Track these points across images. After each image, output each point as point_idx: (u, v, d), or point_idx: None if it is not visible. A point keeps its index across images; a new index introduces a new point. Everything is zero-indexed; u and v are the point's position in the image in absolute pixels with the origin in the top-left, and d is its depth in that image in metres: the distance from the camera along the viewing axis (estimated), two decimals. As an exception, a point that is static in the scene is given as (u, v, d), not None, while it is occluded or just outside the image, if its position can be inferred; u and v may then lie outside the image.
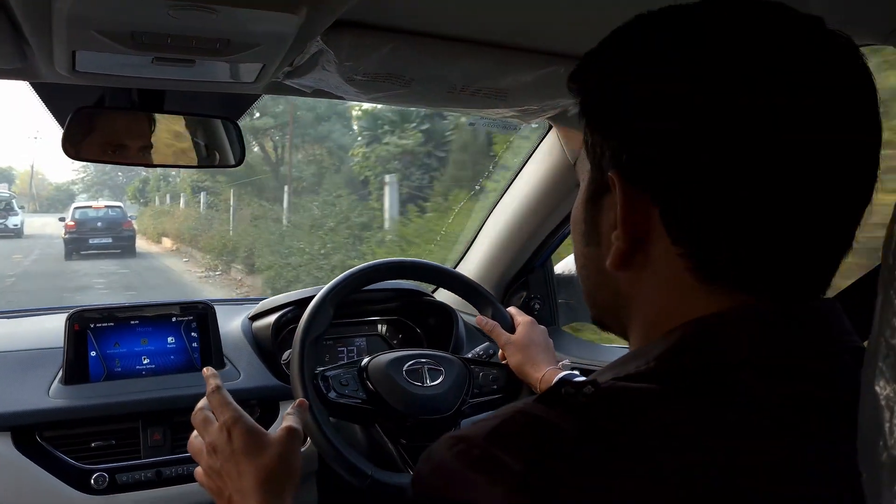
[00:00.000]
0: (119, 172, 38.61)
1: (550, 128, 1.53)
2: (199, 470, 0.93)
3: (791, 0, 0.50)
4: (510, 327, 1.43)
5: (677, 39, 0.50)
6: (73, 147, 1.21)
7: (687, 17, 0.51)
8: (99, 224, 17.94)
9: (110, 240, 17.74)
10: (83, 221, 17.84)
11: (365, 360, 1.39)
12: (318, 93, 1.20)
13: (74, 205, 19.20)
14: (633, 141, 0.51)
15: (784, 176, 0.46)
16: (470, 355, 1.54)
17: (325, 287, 1.42)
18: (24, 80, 1.12)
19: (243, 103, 1.36)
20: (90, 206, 19.45)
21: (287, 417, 0.96)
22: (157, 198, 24.82)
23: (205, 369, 1.01)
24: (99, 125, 1.25)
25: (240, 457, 0.86)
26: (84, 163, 35.97)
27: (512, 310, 1.49)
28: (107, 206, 19.37)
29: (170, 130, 1.34)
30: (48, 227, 22.51)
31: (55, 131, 1.28)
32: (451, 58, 1.08)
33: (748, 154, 0.46)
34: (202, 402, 0.97)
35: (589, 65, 0.56)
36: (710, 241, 0.49)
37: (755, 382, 0.46)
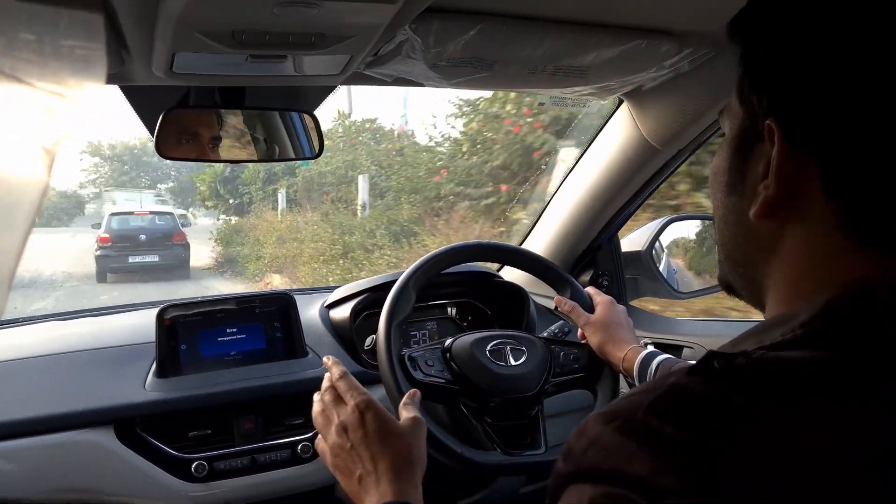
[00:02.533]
0: (143, 173, 34.78)
1: (619, 104, 1.53)
2: (321, 443, 0.97)
3: None
4: (589, 307, 1.44)
5: None
6: (165, 147, 1.24)
7: None
8: (142, 236, 13.85)
9: (157, 257, 13.64)
10: (121, 232, 13.88)
11: (448, 341, 1.41)
12: (398, 81, 1.21)
13: (110, 210, 14.99)
14: (796, 90, 0.49)
15: None
16: (544, 334, 1.55)
17: (407, 271, 1.44)
18: (118, 83, 1.15)
19: (319, 95, 1.38)
20: (131, 213, 15.38)
21: (406, 408, 0.98)
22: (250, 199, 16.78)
23: (326, 358, 1.04)
24: (185, 125, 1.28)
25: (373, 440, 0.89)
26: (96, 162, 34.09)
27: (590, 289, 1.49)
28: (153, 213, 15.43)
29: (250, 126, 1.37)
30: (59, 255, 15.24)
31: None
32: (535, 38, 1.08)
33: None
34: (326, 384, 0.99)
35: (754, 10, 0.54)
36: (872, 199, 0.47)
37: None
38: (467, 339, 1.40)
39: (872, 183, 0.47)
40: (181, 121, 1.28)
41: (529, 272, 1.58)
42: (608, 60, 1.15)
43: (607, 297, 1.44)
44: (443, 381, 1.36)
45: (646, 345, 1.34)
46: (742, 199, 0.55)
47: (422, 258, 1.47)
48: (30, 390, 1.41)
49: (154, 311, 1.51)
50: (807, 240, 0.51)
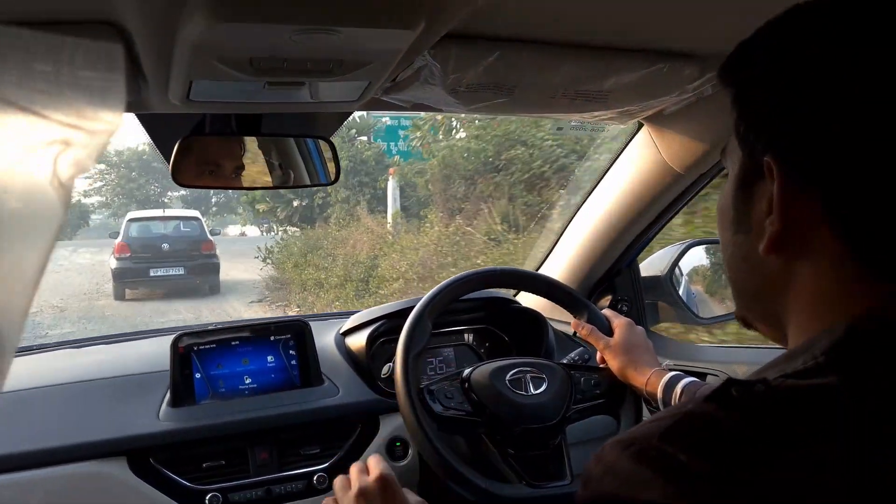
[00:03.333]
0: (152, 180, 32.05)
1: (639, 128, 1.51)
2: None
3: None
4: (608, 330, 1.42)
5: (845, 25, 0.49)
6: (180, 174, 1.23)
7: (853, 6, 0.50)
8: (165, 245, 12.10)
9: (182, 269, 11.88)
10: (142, 241, 12.17)
11: (466, 371, 1.38)
12: (416, 107, 1.20)
13: (129, 216, 12.96)
14: (793, 129, 0.50)
15: None
16: (564, 361, 1.53)
17: (422, 301, 1.42)
18: (134, 112, 1.14)
19: (336, 121, 1.38)
20: (153, 219, 13.35)
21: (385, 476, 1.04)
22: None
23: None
24: (201, 152, 1.28)
25: None
26: (102, 169, 31.36)
27: (608, 312, 1.47)
28: (177, 218, 13.44)
29: (266, 153, 1.36)
30: (64, 284, 12.86)
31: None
32: (556, 63, 1.07)
33: None
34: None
35: (745, 54, 0.56)
36: (878, 231, 0.48)
37: None
38: (486, 368, 1.38)
39: (874, 213, 0.48)
40: (197, 148, 1.27)
41: (545, 297, 1.56)
42: (629, 85, 1.14)
43: (625, 320, 1.42)
44: (463, 413, 1.34)
45: (669, 368, 1.32)
46: (749, 237, 0.56)
47: (437, 286, 1.45)
48: (43, 420, 1.39)
49: (169, 339, 1.50)
50: (819, 272, 0.52)
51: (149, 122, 1.25)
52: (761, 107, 0.54)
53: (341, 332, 1.72)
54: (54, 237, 0.35)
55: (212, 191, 29.34)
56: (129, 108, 1.12)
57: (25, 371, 1.59)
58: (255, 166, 1.38)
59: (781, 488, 0.41)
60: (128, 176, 32.66)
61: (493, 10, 0.93)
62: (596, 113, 1.24)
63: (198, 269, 12.16)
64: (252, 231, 26.81)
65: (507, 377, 1.36)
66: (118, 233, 12.92)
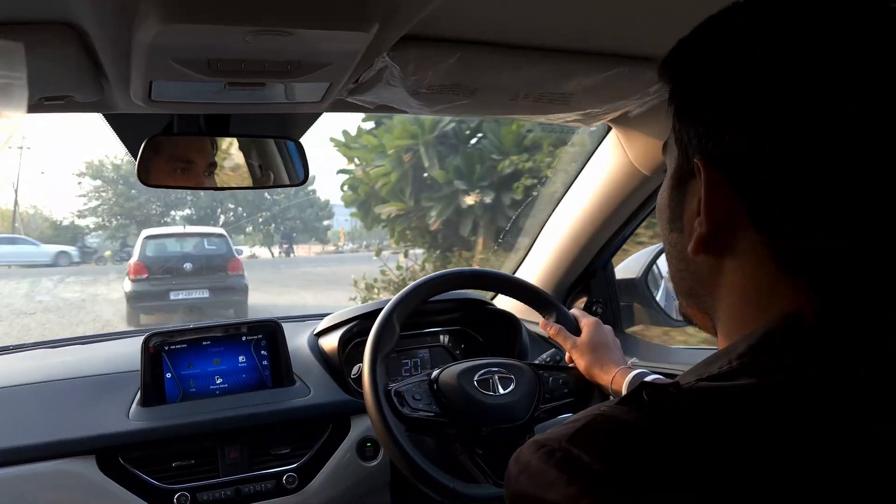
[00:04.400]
0: (153, 198, 28.28)
1: (609, 130, 1.53)
2: None
3: None
4: (575, 330, 1.43)
5: (770, 26, 0.50)
6: (147, 174, 1.24)
7: (781, 5, 0.50)
8: (188, 265, 10.51)
9: (206, 292, 10.31)
10: (161, 261, 10.60)
11: (435, 373, 1.39)
12: (381, 108, 1.21)
13: (144, 233, 11.32)
14: (719, 127, 0.51)
15: (875, 164, 0.45)
16: (536, 362, 1.54)
17: (390, 302, 1.43)
18: (100, 111, 1.15)
19: (305, 122, 1.38)
20: (172, 235, 11.87)
21: None
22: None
23: None
24: (169, 152, 1.28)
25: None
26: (98, 186, 27.56)
27: (576, 312, 1.48)
28: (201, 235, 11.83)
29: (235, 153, 1.37)
30: (32, 331, 9.80)
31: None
32: (516, 65, 1.08)
33: (836, 142, 0.46)
34: None
35: (681, 51, 0.56)
36: (794, 229, 0.48)
37: (834, 390, 0.45)
38: (454, 369, 1.39)
39: (790, 213, 0.48)
40: (165, 147, 1.28)
41: (516, 298, 1.57)
42: (590, 88, 1.15)
43: (593, 319, 1.42)
44: (431, 414, 1.35)
45: (634, 366, 1.33)
46: (682, 236, 0.57)
47: (405, 288, 1.46)
48: (14, 419, 1.40)
49: (141, 339, 1.50)
50: (743, 273, 0.52)
51: (117, 122, 1.25)
52: (692, 105, 0.54)
53: (315, 332, 1.73)
54: None
55: (219, 209, 27.15)
56: (94, 108, 1.13)
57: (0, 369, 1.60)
58: (227, 165, 1.38)
59: (681, 490, 0.41)
60: (126, 194, 28.51)
61: (451, 12, 0.94)
62: (560, 115, 1.25)
63: (224, 291, 10.56)
64: (262, 252, 25.79)
65: (475, 378, 1.37)
66: (129, 253, 11.53)
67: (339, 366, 1.62)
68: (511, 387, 1.37)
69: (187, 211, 29.04)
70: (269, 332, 1.59)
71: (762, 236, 0.50)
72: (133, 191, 28.80)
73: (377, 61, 1.03)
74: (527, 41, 1.06)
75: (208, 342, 1.54)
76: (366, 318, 1.65)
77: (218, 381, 1.53)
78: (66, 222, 28.59)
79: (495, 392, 1.36)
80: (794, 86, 0.47)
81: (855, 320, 0.47)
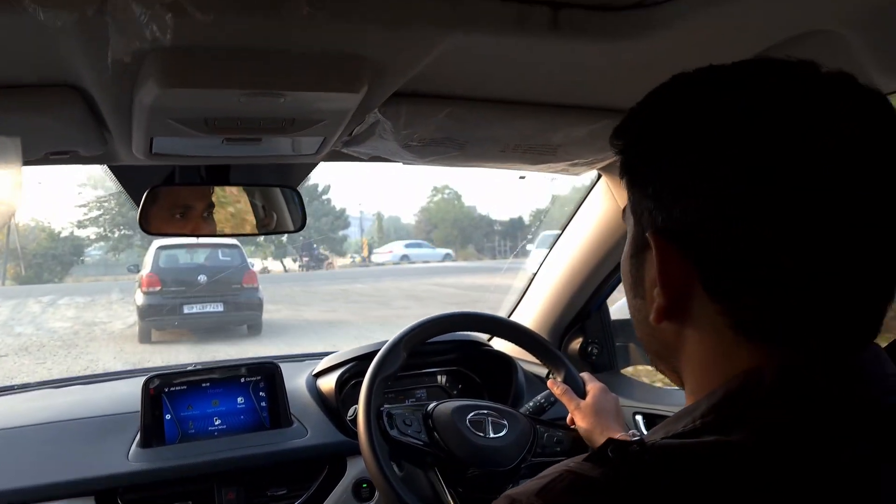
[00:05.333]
0: None
1: (600, 176, 1.56)
2: None
3: (831, 47, 0.51)
4: (581, 392, 1.43)
5: (711, 100, 0.51)
6: (148, 223, 1.28)
7: (722, 78, 0.52)
8: (202, 277, 10.27)
9: (221, 305, 10.07)
10: (174, 273, 10.32)
11: (431, 405, 1.41)
12: (375, 158, 1.25)
13: (156, 244, 10.83)
14: (667, 200, 0.52)
15: (820, 232, 0.47)
16: (531, 403, 1.55)
17: (401, 331, 1.46)
18: (104, 163, 1.19)
19: (302, 172, 1.42)
20: (185, 246, 11.28)
21: None
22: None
23: None
24: (170, 200, 1.32)
25: None
26: (99, 196, 25.66)
27: (584, 375, 1.50)
28: (215, 246, 11.16)
29: (234, 201, 1.41)
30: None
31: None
32: (504, 119, 1.12)
33: (783, 215, 0.47)
34: None
35: (629, 123, 0.57)
36: (749, 299, 0.50)
37: (798, 442, 0.47)
38: (450, 405, 1.41)
39: (744, 284, 0.49)
40: (168, 197, 1.32)
41: (526, 349, 1.58)
42: (578, 139, 1.19)
43: (600, 385, 1.43)
44: (419, 442, 1.36)
45: (633, 436, 1.33)
46: (644, 302, 0.58)
47: (418, 321, 1.48)
48: (15, 460, 1.42)
49: (141, 380, 1.53)
50: (703, 340, 0.54)
51: (120, 172, 1.30)
52: (640, 178, 0.55)
53: (313, 374, 1.75)
54: None
55: None
56: (98, 161, 1.17)
57: (2, 410, 1.62)
58: (231, 210, 1.42)
59: None
60: (130, 204, 28.46)
61: (439, 70, 0.98)
62: (548, 165, 1.29)
63: (238, 305, 10.25)
64: (275, 265, 25.02)
65: (469, 417, 1.39)
66: (137, 266, 11.06)
67: (335, 407, 1.64)
68: (503, 432, 1.38)
69: None
70: (268, 374, 1.62)
71: (714, 303, 0.51)
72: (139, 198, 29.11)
73: (369, 116, 1.07)
74: (514, 96, 1.10)
75: (207, 384, 1.57)
76: (363, 360, 1.67)
77: (217, 423, 1.55)
78: (64, 233, 26.83)
79: (486, 434, 1.37)
80: (736, 156, 0.48)
81: (814, 374, 0.49)
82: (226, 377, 1.59)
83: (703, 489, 0.45)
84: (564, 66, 1.01)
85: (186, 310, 9.86)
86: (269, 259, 25.29)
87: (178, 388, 1.54)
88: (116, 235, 26.86)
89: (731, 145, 0.49)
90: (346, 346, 1.80)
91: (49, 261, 25.45)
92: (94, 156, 1.11)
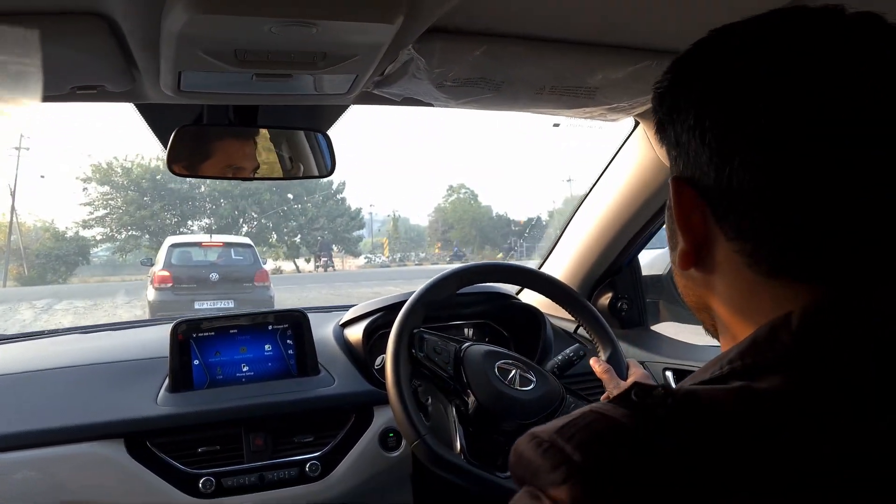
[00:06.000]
0: (167, 205, 26.02)
1: (636, 125, 1.52)
2: None
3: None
4: (623, 375, 1.41)
5: (736, 54, 0.53)
6: (175, 163, 1.26)
7: (748, 32, 0.53)
8: (213, 275, 10.44)
9: (231, 302, 10.19)
10: (186, 270, 10.51)
11: (466, 344, 1.40)
12: (408, 101, 1.22)
13: (170, 241, 11.21)
14: (685, 143, 0.54)
15: (838, 166, 0.48)
16: (559, 357, 1.53)
17: (431, 280, 1.45)
18: (131, 101, 1.17)
19: (333, 115, 1.39)
20: (198, 244, 11.76)
21: None
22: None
23: None
24: (198, 142, 1.30)
25: None
26: (105, 192, 25.19)
27: (631, 361, 1.48)
28: (227, 245, 11.64)
29: (262, 144, 1.38)
30: None
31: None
32: (542, 58, 1.08)
33: (793, 152, 0.48)
34: None
35: (666, 73, 0.59)
36: (763, 233, 0.51)
37: (825, 390, 0.46)
38: (482, 347, 1.40)
39: (762, 222, 0.51)
40: (195, 137, 1.30)
41: (575, 317, 1.54)
42: (617, 81, 1.14)
43: (642, 372, 1.42)
44: (445, 374, 1.36)
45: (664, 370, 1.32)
46: (676, 252, 0.59)
47: (449, 270, 1.47)
48: (46, 401, 1.43)
49: (170, 326, 1.53)
50: (728, 284, 0.55)
51: (148, 113, 1.28)
52: (664, 126, 0.57)
53: (340, 323, 1.75)
54: None
55: (241, 219, 25.80)
56: (125, 98, 1.15)
57: (33, 354, 1.64)
58: (258, 155, 1.40)
59: (652, 484, 0.43)
60: (138, 201, 25.97)
61: (476, 4, 0.94)
62: (585, 109, 1.25)
63: (250, 303, 10.26)
64: (288, 266, 24.40)
65: (498, 363, 1.37)
66: (151, 259, 11.05)
67: (363, 356, 1.64)
68: (529, 387, 1.37)
69: (206, 220, 26.98)
70: (295, 322, 1.61)
71: (734, 244, 0.52)
72: (146, 198, 26.12)
73: (403, 54, 1.04)
74: (553, 33, 1.06)
75: (235, 330, 1.57)
76: (390, 310, 1.66)
77: (244, 369, 1.55)
78: (69, 233, 25.93)
79: (510, 384, 1.36)
80: (750, 95, 0.50)
81: (839, 315, 0.49)
82: (253, 324, 1.58)
83: (725, 434, 0.45)
84: (606, 1, 0.97)
85: (197, 306, 10.01)
86: (282, 259, 25.05)
87: (206, 333, 1.54)
88: (124, 236, 26.13)
89: (747, 84, 0.50)
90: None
91: (53, 261, 24.80)
92: (121, 92, 1.09)
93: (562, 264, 1.87)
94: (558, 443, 0.46)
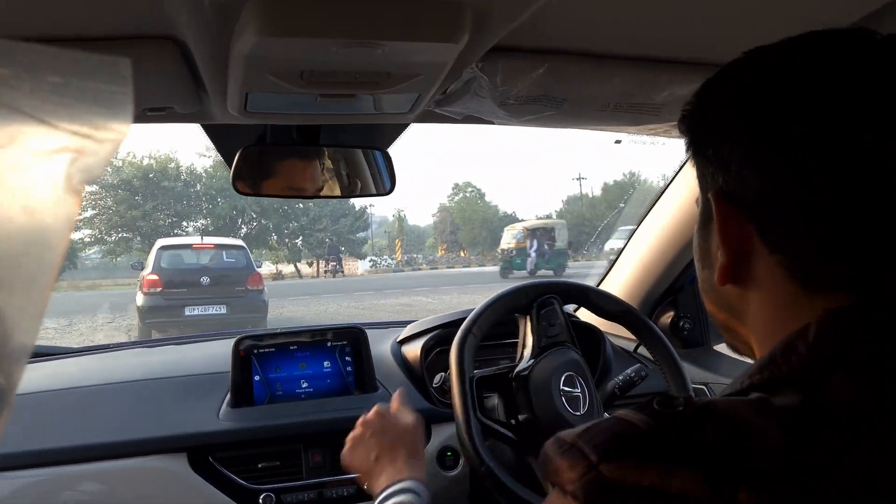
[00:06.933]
0: (160, 205, 24.72)
1: (700, 141, 1.48)
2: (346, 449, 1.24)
3: None
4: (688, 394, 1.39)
5: (768, 63, 0.55)
6: (241, 182, 1.28)
7: (783, 53, 0.54)
8: (205, 279, 10.11)
9: (224, 308, 9.91)
10: (176, 273, 10.13)
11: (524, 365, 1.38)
12: (468, 119, 1.22)
13: (159, 243, 10.87)
14: (725, 160, 0.55)
15: (871, 177, 0.48)
16: (620, 378, 1.51)
17: (492, 296, 1.43)
18: (199, 122, 1.20)
19: (393, 133, 1.40)
20: (189, 246, 11.34)
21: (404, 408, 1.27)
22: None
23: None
24: (262, 161, 1.32)
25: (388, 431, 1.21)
26: (94, 192, 23.09)
27: None
28: (219, 247, 11.31)
29: (324, 163, 1.40)
30: None
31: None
32: (606, 75, 1.07)
33: (837, 164, 0.49)
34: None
35: (693, 99, 0.60)
36: (803, 243, 0.51)
37: (843, 388, 0.46)
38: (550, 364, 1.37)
39: (798, 228, 0.51)
40: (259, 157, 1.32)
41: (651, 352, 1.52)
42: (683, 97, 1.11)
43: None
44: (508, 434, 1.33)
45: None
46: (711, 272, 0.60)
47: (511, 287, 1.46)
48: (111, 415, 1.46)
49: (231, 342, 1.55)
50: (766, 297, 0.55)
51: (213, 132, 1.30)
52: (702, 144, 0.58)
53: (398, 340, 1.75)
54: (66, 239, 0.37)
55: (240, 220, 24.26)
56: (193, 119, 1.18)
57: (97, 367, 1.68)
58: (320, 174, 1.42)
59: (660, 487, 0.44)
60: (129, 201, 24.44)
61: (540, 22, 0.93)
62: (650, 126, 1.23)
63: (242, 308, 10.03)
64: (288, 269, 23.02)
65: (563, 378, 1.35)
66: (142, 263, 10.49)
67: (421, 374, 1.63)
68: (581, 411, 1.34)
69: (202, 221, 25.65)
70: (354, 338, 1.62)
71: (776, 257, 0.53)
72: (137, 197, 24.64)
73: (465, 72, 1.03)
74: (616, 50, 1.04)
75: (295, 346, 1.58)
76: (448, 327, 1.65)
77: (304, 385, 1.56)
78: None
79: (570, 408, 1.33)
80: (792, 112, 0.51)
81: (860, 326, 0.49)
82: (313, 340, 1.60)
83: (736, 446, 0.45)
84: (672, 16, 0.96)
85: (188, 312, 9.72)
86: (283, 263, 23.81)
87: (266, 350, 1.56)
88: (114, 238, 24.64)
89: (788, 100, 0.51)
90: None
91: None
92: (190, 113, 1.11)
93: (622, 282, 1.84)
94: (578, 444, 0.48)
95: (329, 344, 1.61)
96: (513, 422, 1.34)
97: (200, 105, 1.09)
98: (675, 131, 1.29)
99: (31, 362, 1.62)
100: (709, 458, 0.44)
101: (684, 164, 1.56)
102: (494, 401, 1.40)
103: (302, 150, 1.35)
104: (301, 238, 25.18)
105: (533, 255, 21.64)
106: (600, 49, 1.03)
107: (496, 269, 23.29)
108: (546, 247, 22.03)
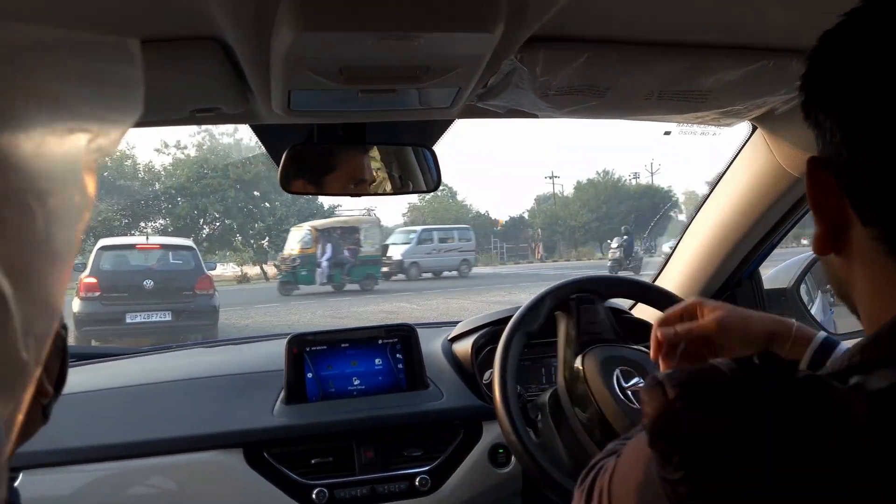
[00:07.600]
0: (115, 204, 22.90)
1: (754, 130, 1.44)
2: None
3: None
4: None
5: (869, 32, 0.50)
6: (288, 182, 1.31)
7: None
8: (148, 282, 9.23)
9: (169, 314, 9.10)
10: (116, 277, 9.25)
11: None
12: (511, 112, 1.21)
13: (100, 243, 9.96)
14: (824, 127, 0.52)
15: None
16: None
17: (543, 290, 1.42)
18: (246, 122, 1.23)
19: (438, 130, 1.40)
20: (132, 247, 10.42)
21: None
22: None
23: None
24: (309, 160, 1.35)
25: None
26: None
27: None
28: (164, 247, 10.41)
29: (371, 161, 1.41)
30: None
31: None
32: (649, 62, 1.05)
33: None
34: None
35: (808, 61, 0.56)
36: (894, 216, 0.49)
37: None
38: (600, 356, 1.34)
39: (893, 202, 0.49)
40: (307, 156, 1.34)
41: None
42: (731, 83, 1.09)
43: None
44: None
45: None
46: None
47: (563, 280, 1.44)
48: (170, 411, 1.51)
49: (284, 341, 1.58)
50: (866, 271, 0.53)
51: (262, 133, 1.33)
52: (808, 110, 0.56)
53: (449, 338, 1.75)
54: (83, 222, 0.37)
55: (202, 220, 23.02)
56: (240, 120, 1.21)
57: (160, 366, 1.73)
58: (369, 171, 1.43)
59: (727, 438, 0.43)
60: (131, 196, 23.82)
61: (579, 10, 0.92)
62: (697, 114, 1.20)
63: (190, 314, 9.19)
64: (254, 271, 21.98)
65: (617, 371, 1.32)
66: (84, 263, 9.43)
67: (471, 371, 1.63)
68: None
69: (161, 222, 23.78)
70: (404, 336, 1.63)
71: (870, 229, 0.50)
72: (128, 193, 23.69)
73: (505, 64, 1.03)
74: (660, 37, 1.02)
75: (346, 344, 1.60)
76: (499, 324, 1.65)
77: (355, 383, 1.58)
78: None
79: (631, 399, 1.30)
80: (881, 75, 0.48)
81: None
82: (364, 338, 1.61)
83: (821, 429, 0.43)
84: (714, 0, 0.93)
85: (129, 319, 8.89)
86: (248, 265, 22.63)
87: (318, 348, 1.58)
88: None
89: (886, 73, 0.48)
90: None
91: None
92: (237, 113, 1.14)
93: (677, 277, 1.80)
94: (664, 382, 0.47)
95: (380, 342, 1.62)
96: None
97: (247, 105, 1.12)
98: (724, 119, 1.26)
99: (93, 363, 1.68)
100: (777, 430, 0.43)
101: (738, 153, 1.51)
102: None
103: (349, 148, 1.36)
104: (268, 239, 23.47)
105: (325, 264, 16.30)
106: (641, 36, 1.02)
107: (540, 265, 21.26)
108: (347, 253, 16.71)
